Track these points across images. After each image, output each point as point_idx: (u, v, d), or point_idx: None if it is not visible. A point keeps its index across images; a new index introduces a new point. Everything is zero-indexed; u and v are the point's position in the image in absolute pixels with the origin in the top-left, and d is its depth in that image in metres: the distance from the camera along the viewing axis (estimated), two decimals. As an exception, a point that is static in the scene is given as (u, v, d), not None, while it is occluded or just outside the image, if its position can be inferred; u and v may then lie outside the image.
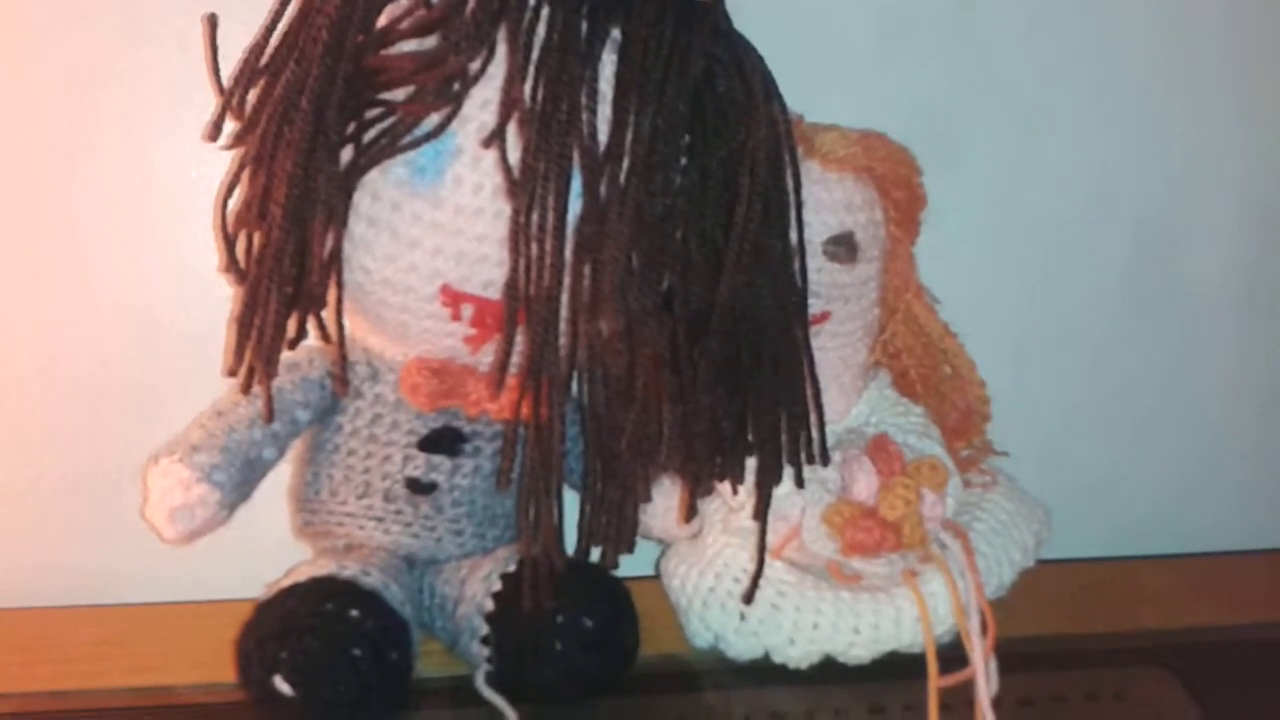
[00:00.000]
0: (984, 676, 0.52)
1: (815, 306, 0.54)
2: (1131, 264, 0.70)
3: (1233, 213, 0.71)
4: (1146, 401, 0.72)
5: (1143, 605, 0.62)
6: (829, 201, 0.54)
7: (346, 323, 0.50)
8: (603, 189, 0.46)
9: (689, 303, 0.48)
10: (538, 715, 0.51)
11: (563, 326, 0.48)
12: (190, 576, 0.57)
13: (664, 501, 0.57)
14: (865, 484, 0.54)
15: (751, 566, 0.53)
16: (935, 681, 0.52)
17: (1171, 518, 0.71)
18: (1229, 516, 0.72)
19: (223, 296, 0.59)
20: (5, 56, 0.57)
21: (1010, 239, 0.68)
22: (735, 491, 0.55)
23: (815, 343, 0.54)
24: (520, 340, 0.48)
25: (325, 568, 0.49)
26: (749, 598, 0.53)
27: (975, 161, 0.65)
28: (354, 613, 0.47)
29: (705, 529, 0.58)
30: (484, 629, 0.51)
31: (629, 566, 0.54)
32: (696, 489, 0.50)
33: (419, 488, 0.53)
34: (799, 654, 0.55)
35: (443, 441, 0.54)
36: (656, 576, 0.60)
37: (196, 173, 0.59)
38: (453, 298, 0.50)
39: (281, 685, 0.46)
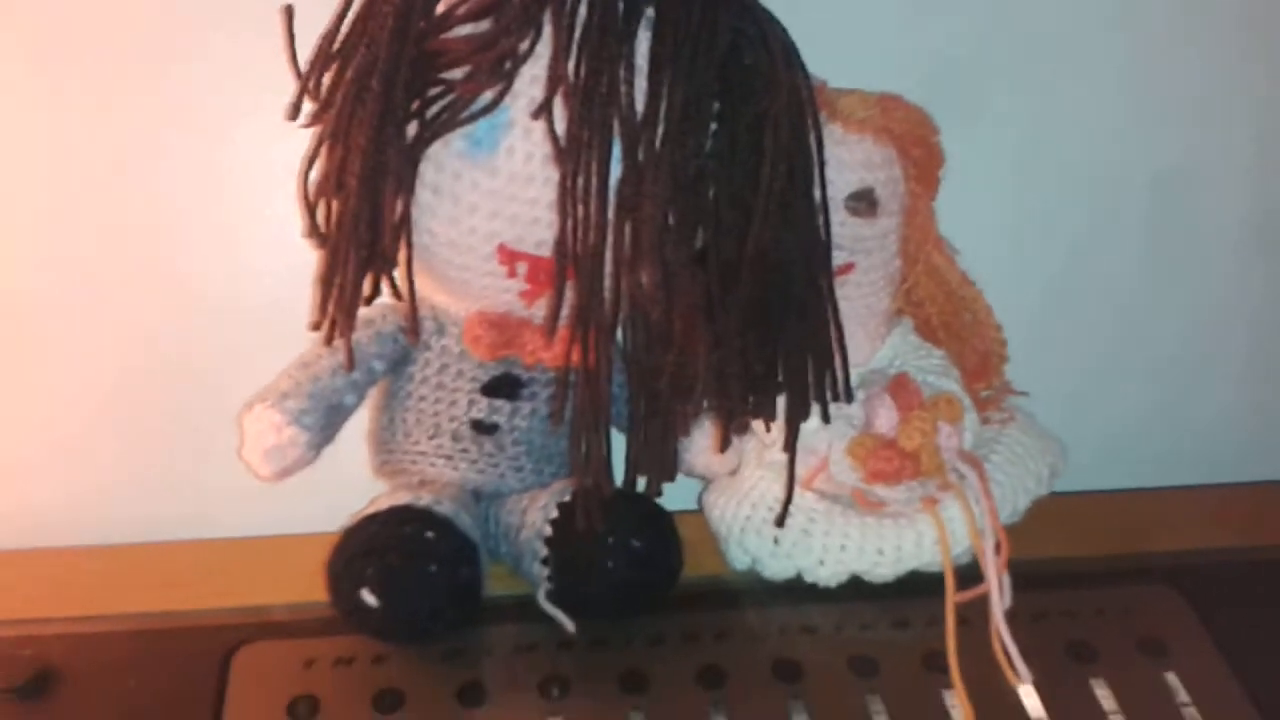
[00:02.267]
0: (997, 591, 0.57)
1: (839, 258, 0.59)
2: (1151, 215, 0.74)
3: (1250, 160, 0.73)
4: (1167, 351, 0.76)
5: (1152, 531, 0.66)
6: (850, 160, 0.59)
7: (415, 280, 0.56)
8: (640, 154, 0.51)
9: (721, 255, 0.53)
10: (593, 629, 0.57)
11: (607, 280, 0.53)
12: (281, 513, 0.63)
13: (704, 441, 0.62)
14: (886, 418, 0.59)
15: (783, 495, 0.58)
16: (952, 597, 0.57)
17: (1191, 459, 0.75)
18: (1247, 454, 0.75)
19: (299, 268, 0.64)
20: (96, 38, 0.62)
21: (1029, 192, 0.71)
22: (768, 429, 0.60)
23: (841, 292, 0.58)
24: (569, 293, 0.53)
25: (403, 498, 0.56)
26: (781, 523, 0.59)
27: (994, 117, 0.68)
28: (429, 534, 0.53)
29: (742, 465, 0.64)
30: (543, 551, 0.57)
31: (674, 501, 0.59)
32: (730, 425, 0.55)
33: (482, 428, 0.59)
34: (828, 574, 0.60)
35: (502, 387, 0.59)
36: (699, 510, 0.65)
37: (276, 151, 0.64)
38: (508, 256, 0.55)
39: (368, 598, 0.52)
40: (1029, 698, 0.55)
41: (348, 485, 0.60)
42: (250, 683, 0.53)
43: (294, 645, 0.55)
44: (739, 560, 0.62)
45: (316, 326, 0.55)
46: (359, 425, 0.62)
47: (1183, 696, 0.56)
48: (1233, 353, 0.76)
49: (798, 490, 0.60)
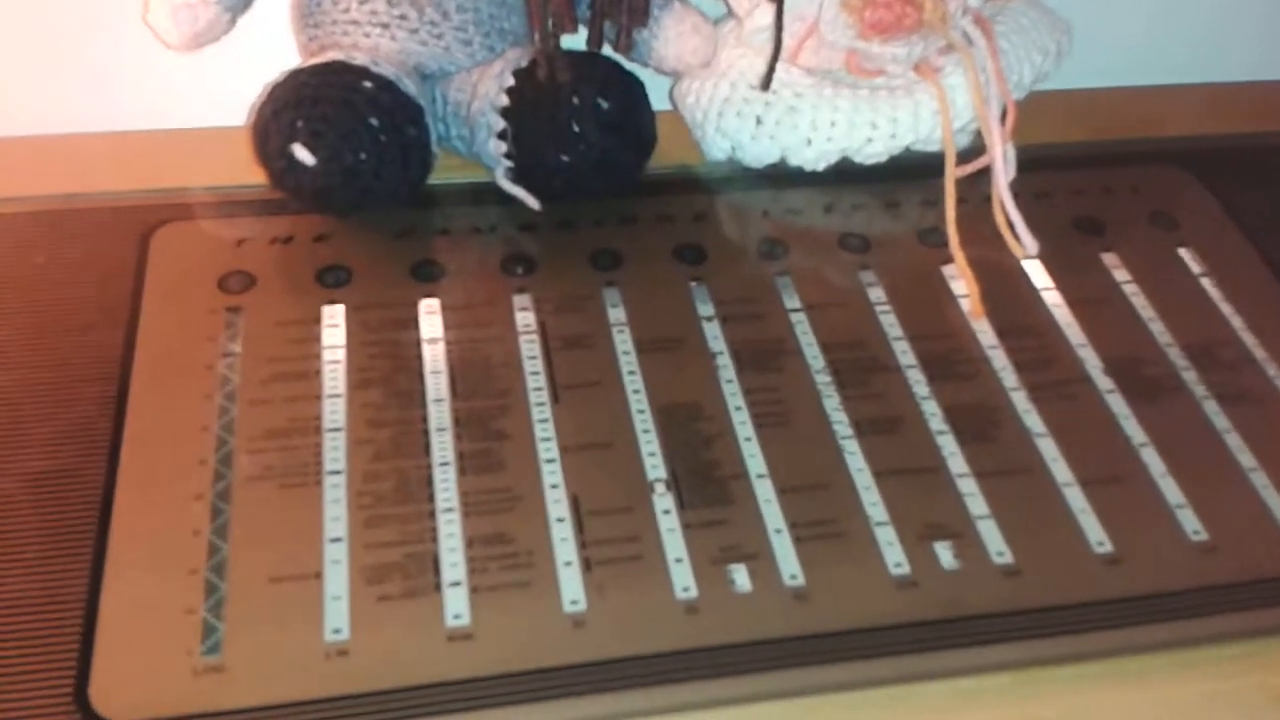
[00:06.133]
0: (1001, 161, 0.52)
1: None
2: None
3: None
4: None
5: (1160, 120, 0.61)
6: None
7: None
8: None
9: None
10: (557, 212, 0.52)
11: None
12: (199, 106, 0.56)
13: (675, 26, 0.55)
14: (885, -36, 0.52)
15: (769, 55, 0.52)
16: (952, 170, 0.52)
17: (1201, 58, 0.69)
18: (1256, 53, 0.70)
19: None
20: None
21: None
22: (748, -4, 0.53)
23: None
24: None
25: (334, 57, 0.48)
26: (766, 85, 0.52)
27: None
28: (367, 84, 0.46)
29: (718, 48, 0.57)
30: (500, 124, 0.50)
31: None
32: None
33: (423, -10, 0.52)
34: (815, 155, 0.54)
35: (444, -61, 0.52)
36: (670, 109, 0.59)
37: None
38: None
39: (301, 153, 0.46)
40: (1034, 271, 0.51)
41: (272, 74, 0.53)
42: (174, 260, 0.48)
43: (222, 224, 0.49)
44: (717, 147, 0.56)
45: None
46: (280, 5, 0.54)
47: (1198, 268, 0.52)
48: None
49: (783, 65, 0.54)
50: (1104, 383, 0.46)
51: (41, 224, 0.49)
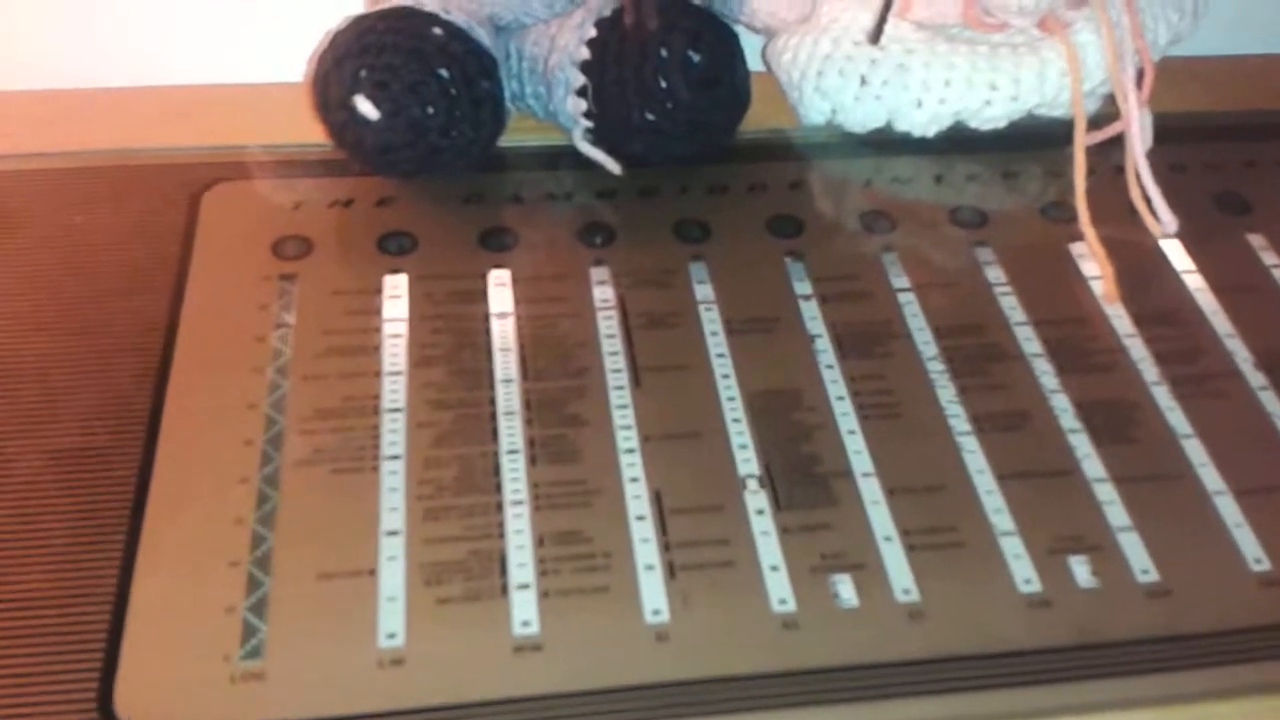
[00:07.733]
0: (1137, 127, 0.47)
1: None
2: None
3: None
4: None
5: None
6: None
7: None
8: None
9: None
10: (640, 178, 0.47)
11: None
12: (255, 58, 0.53)
13: (771, -22, 0.51)
14: (1013, -96, 0.47)
15: (878, 6, 0.47)
16: (1082, 137, 0.47)
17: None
18: None
19: None
20: None
21: None
22: (855, -59, 0.48)
23: None
24: None
25: (402, 2, 0.44)
26: (876, 37, 0.47)
27: None
28: (437, 32, 0.42)
29: (816, 2, 0.52)
30: (579, 79, 0.46)
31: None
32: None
33: (499, -67, 0.47)
34: (926, 118, 0.49)
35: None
36: (763, 70, 0.54)
37: None
38: None
39: (363, 105, 0.42)
40: (1174, 252, 0.46)
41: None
42: (225, 223, 0.44)
43: (278, 185, 0.46)
44: (816, 110, 0.51)
45: None
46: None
47: (1357, 251, 0.46)
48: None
49: (891, 18, 0.48)
50: (1256, 379, 0.41)
51: (86, 180, 0.45)
